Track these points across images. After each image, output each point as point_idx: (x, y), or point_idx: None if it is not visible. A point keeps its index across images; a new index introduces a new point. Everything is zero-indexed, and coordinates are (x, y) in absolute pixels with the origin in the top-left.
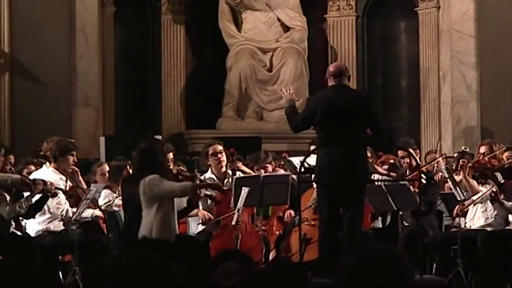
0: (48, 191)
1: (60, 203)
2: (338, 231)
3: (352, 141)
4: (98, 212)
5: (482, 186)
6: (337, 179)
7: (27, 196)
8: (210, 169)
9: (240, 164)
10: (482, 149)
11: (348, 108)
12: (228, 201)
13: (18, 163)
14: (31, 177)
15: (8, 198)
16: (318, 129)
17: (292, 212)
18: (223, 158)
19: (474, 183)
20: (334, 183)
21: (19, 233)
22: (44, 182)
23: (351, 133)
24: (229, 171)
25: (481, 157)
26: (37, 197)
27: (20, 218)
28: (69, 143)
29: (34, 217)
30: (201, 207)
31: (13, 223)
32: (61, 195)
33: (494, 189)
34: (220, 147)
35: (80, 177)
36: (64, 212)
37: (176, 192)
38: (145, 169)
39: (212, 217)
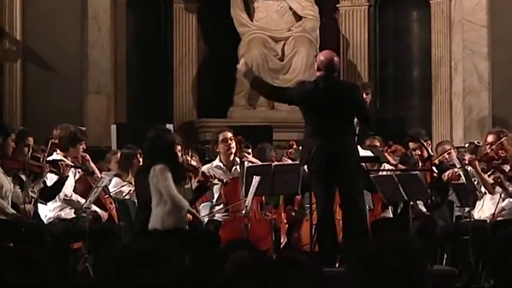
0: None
1: (67, 192)
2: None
3: (341, 132)
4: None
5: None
6: (328, 165)
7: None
8: (218, 157)
9: (247, 155)
10: (490, 138)
11: (337, 99)
12: (236, 189)
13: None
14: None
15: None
16: (306, 119)
17: (300, 197)
18: (233, 144)
19: (486, 176)
20: (325, 169)
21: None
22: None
23: (340, 124)
24: (237, 159)
25: (488, 148)
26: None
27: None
28: (80, 131)
29: (53, 198)
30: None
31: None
32: (71, 181)
33: (497, 174)
34: (230, 134)
35: (92, 164)
36: (73, 198)
37: (171, 198)
38: (156, 157)
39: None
